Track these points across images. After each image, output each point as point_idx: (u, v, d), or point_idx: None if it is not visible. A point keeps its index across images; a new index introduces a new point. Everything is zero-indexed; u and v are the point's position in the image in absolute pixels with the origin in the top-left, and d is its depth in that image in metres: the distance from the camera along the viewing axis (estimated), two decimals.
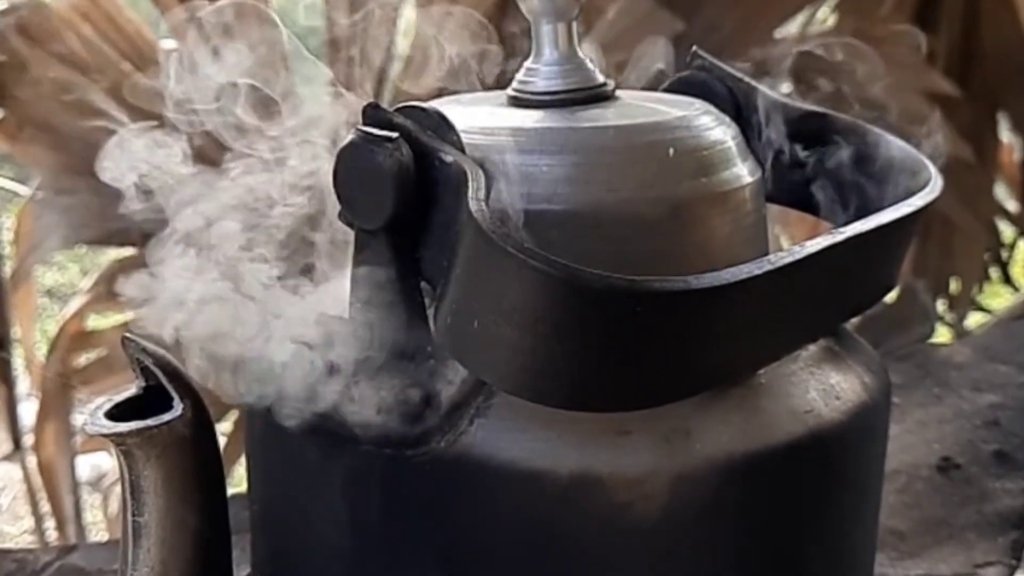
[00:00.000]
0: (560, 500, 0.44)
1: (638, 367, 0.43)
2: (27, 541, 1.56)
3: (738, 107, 0.54)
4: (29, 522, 1.47)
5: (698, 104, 0.52)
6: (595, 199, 0.46)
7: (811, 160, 0.54)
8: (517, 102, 0.50)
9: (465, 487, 0.45)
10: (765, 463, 0.45)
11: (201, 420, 0.47)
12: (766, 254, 0.45)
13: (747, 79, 0.55)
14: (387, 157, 0.45)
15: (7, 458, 1.42)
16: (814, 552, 0.49)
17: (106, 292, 1.25)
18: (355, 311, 0.47)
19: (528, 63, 0.50)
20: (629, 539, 0.44)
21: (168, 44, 1.16)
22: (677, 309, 0.42)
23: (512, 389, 0.44)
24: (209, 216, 0.48)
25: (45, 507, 1.33)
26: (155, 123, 0.49)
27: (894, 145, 0.53)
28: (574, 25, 0.50)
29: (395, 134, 0.45)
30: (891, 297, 0.55)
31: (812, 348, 0.49)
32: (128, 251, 1.23)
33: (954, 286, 1.59)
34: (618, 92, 0.51)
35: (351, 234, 0.47)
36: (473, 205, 0.43)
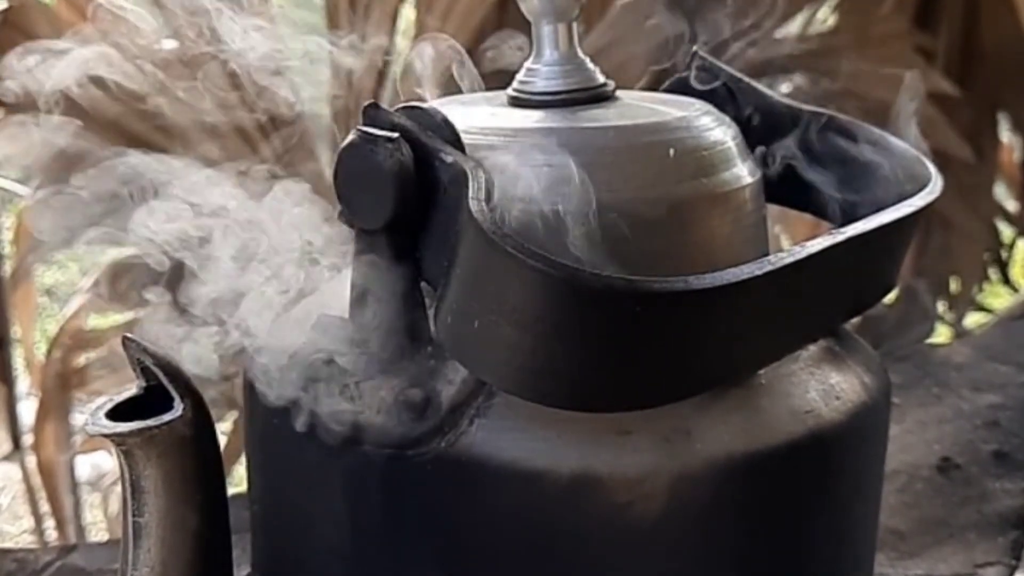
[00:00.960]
0: (560, 500, 0.44)
1: (638, 367, 0.43)
2: (27, 541, 1.56)
3: (738, 107, 0.54)
4: (29, 522, 1.47)
5: (698, 104, 0.52)
6: (595, 199, 0.46)
7: (811, 160, 0.54)
8: (517, 102, 0.50)
9: (465, 487, 0.45)
10: (765, 463, 0.45)
11: (201, 420, 0.47)
12: (766, 254, 0.45)
13: (747, 79, 0.55)
14: (387, 157, 0.45)
15: (7, 458, 1.42)
16: (814, 552, 0.49)
17: (106, 292, 1.25)
18: (355, 311, 0.47)
19: (528, 63, 0.51)
20: (629, 539, 0.44)
21: (168, 44, 1.16)
22: (677, 309, 0.42)
23: (512, 389, 0.44)
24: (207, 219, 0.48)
25: (45, 507, 1.33)
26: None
27: (894, 145, 0.53)
28: (574, 26, 0.50)
29: (395, 134, 0.45)
30: (891, 297, 0.55)
31: (812, 348, 0.49)
32: (128, 251, 1.23)
33: (954, 286, 1.59)
34: (618, 92, 0.51)
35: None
36: (473, 205, 0.43)
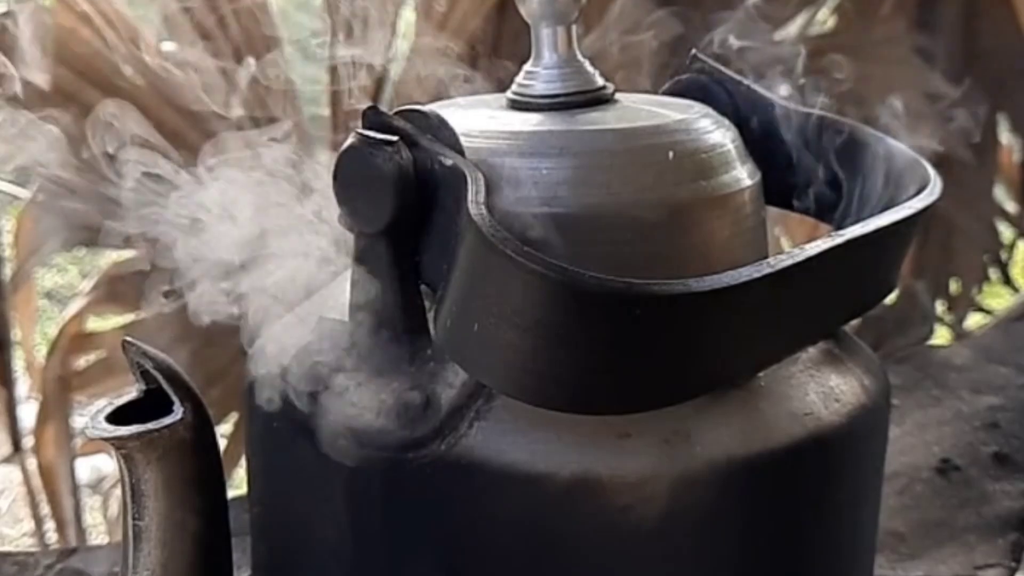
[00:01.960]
0: (560, 503, 0.44)
1: (638, 370, 0.43)
2: (27, 544, 1.56)
3: (737, 110, 0.54)
4: (29, 525, 1.47)
5: (697, 107, 0.52)
6: (595, 202, 0.46)
7: (811, 163, 0.54)
8: (517, 105, 0.50)
9: (465, 490, 0.45)
10: (765, 465, 0.45)
11: (201, 423, 0.47)
12: (765, 257, 0.45)
13: (746, 82, 0.55)
14: (387, 160, 0.45)
15: (7, 460, 1.41)
16: (814, 554, 0.49)
17: (106, 294, 1.25)
18: (355, 314, 0.47)
19: (528, 66, 0.51)
20: (629, 542, 0.44)
21: (168, 46, 1.16)
22: (677, 312, 0.42)
23: (512, 392, 0.44)
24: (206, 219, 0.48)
25: (45, 509, 1.33)
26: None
27: (894, 147, 0.53)
28: (573, 28, 0.50)
29: (395, 137, 0.45)
30: (891, 298, 0.55)
31: (812, 351, 0.49)
32: (128, 253, 1.23)
33: (954, 287, 1.59)
34: (617, 95, 0.51)
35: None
36: (473, 208, 0.43)
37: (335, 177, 0.46)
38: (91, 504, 1.47)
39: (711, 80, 0.54)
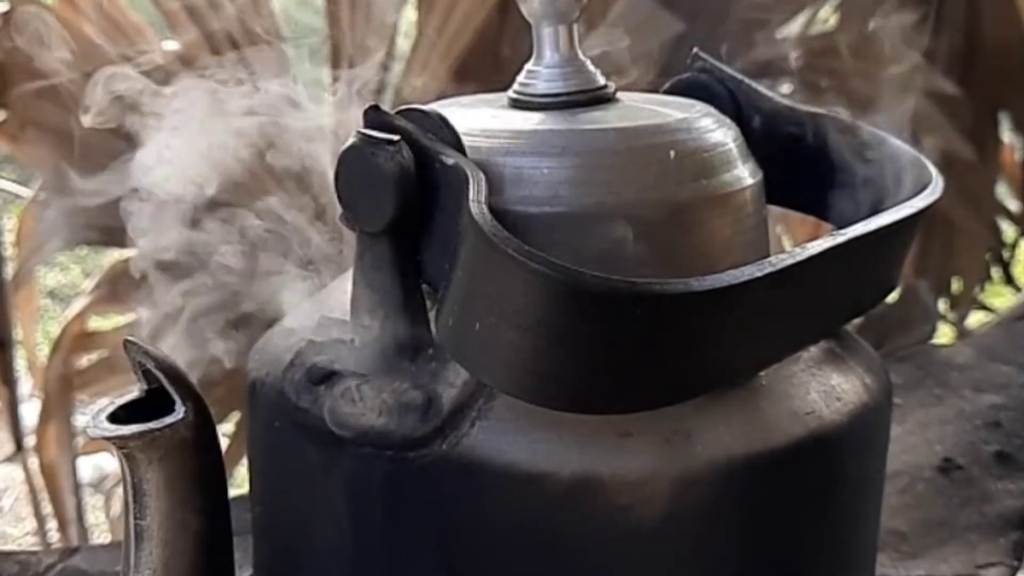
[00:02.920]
0: (561, 502, 0.44)
1: (639, 369, 0.43)
2: (29, 543, 1.56)
3: (739, 109, 0.54)
4: (31, 524, 1.47)
5: (699, 106, 0.52)
6: (596, 201, 0.46)
7: (812, 161, 0.54)
8: (518, 104, 0.50)
9: (466, 489, 0.45)
10: (766, 465, 0.45)
11: (203, 422, 0.47)
12: (767, 256, 0.45)
13: (748, 81, 0.55)
14: (388, 160, 0.45)
15: (9, 459, 1.41)
16: (816, 553, 0.49)
17: (108, 293, 1.25)
18: (356, 313, 0.47)
19: (529, 65, 0.51)
20: (630, 541, 0.44)
21: (169, 45, 1.16)
22: (678, 311, 0.42)
23: (513, 391, 0.44)
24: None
25: (47, 509, 1.33)
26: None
27: (895, 146, 0.53)
28: (575, 28, 0.50)
29: (396, 137, 0.45)
30: (892, 297, 0.55)
31: (813, 350, 0.49)
32: (130, 252, 1.23)
33: (956, 286, 1.59)
34: (619, 94, 0.51)
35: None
36: (474, 207, 0.43)
37: (336, 176, 0.46)
38: (93, 503, 1.47)
39: (712, 79, 0.54)
